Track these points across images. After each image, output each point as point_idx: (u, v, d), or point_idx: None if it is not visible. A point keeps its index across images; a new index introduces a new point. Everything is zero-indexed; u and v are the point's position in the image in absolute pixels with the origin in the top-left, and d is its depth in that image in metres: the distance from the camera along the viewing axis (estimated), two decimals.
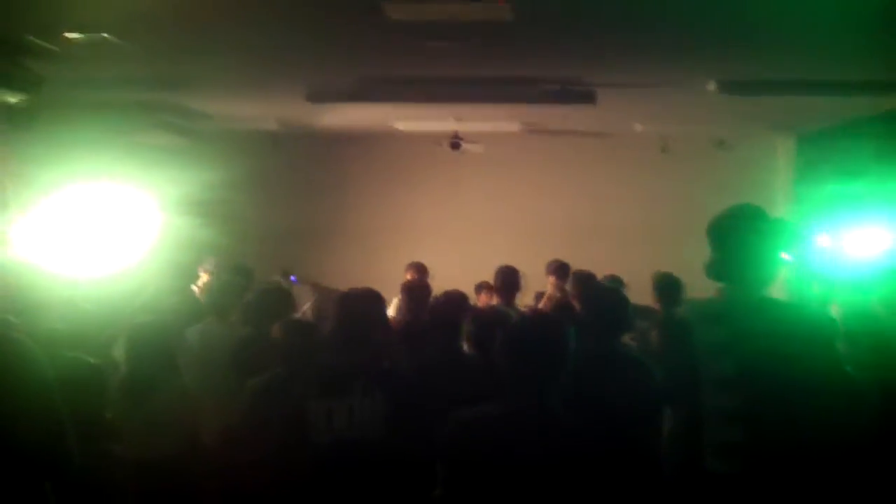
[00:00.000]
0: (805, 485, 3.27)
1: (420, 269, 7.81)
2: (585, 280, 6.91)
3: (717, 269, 3.52)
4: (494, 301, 6.92)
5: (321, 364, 4.24)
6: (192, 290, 6.81)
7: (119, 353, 4.64)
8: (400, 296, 6.43)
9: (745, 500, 3.28)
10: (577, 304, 5.75)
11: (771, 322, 3.35)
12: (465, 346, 4.80)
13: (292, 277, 9.22)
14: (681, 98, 7.76)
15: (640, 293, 6.70)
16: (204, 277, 7.16)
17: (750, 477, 3.25)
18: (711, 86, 6.94)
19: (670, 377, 3.50)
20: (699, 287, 6.96)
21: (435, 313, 5.10)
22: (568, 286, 7.22)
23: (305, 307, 8.21)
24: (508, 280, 6.60)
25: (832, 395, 3.41)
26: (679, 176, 10.34)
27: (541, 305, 7.17)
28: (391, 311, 6.54)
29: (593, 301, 4.68)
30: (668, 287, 6.36)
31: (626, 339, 5.73)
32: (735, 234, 3.49)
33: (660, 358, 4.15)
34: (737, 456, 3.29)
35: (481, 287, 7.63)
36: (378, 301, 4.48)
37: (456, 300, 5.11)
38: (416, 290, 6.08)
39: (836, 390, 3.56)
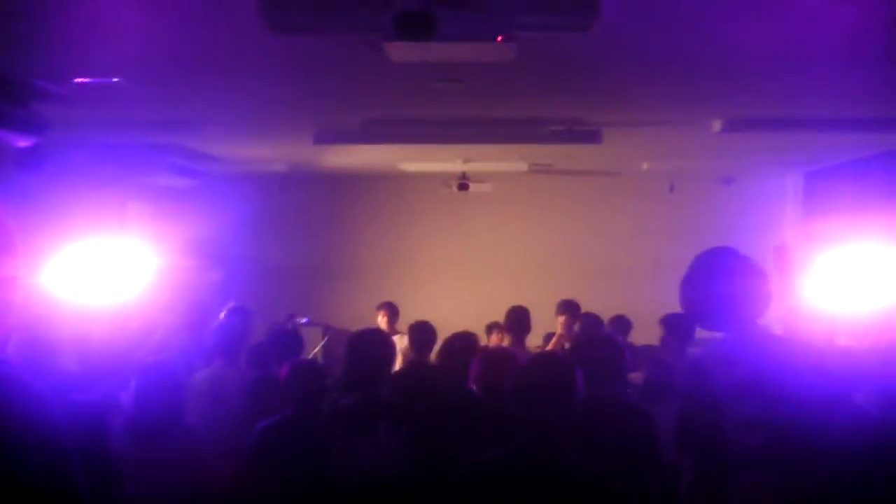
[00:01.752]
0: None
1: (391, 310, 7.93)
2: (587, 325, 6.94)
3: (712, 314, 3.49)
4: (505, 342, 6.91)
5: (339, 404, 4.24)
6: (201, 332, 6.81)
7: (128, 394, 4.63)
8: (407, 335, 6.44)
9: None
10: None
11: (784, 358, 3.34)
12: (475, 388, 4.81)
13: (304, 319, 9.24)
14: (687, 137, 7.79)
15: (648, 332, 6.71)
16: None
17: None
18: (717, 125, 6.97)
19: (692, 421, 3.47)
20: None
21: (446, 354, 5.11)
22: (577, 327, 7.21)
23: (316, 349, 8.22)
24: (519, 320, 6.59)
25: (849, 428, 3.39)
26: (687, 213, 10.36)
27: (550, 346, 7.15)
28: (399, 352, 6.55)
29: (586, 350, 4.67)
30: (678, 328, 6.34)
31: (633, 377, 5.74)
32: (727, 275, 3.47)
33: (672, 401, 4.12)
34: (765, 496, 3.26)
35: (492, 327, 7.61)
36: (387, 341, 4.50)
37: (467, 342, 5.12)
38: (422, 331, 6.09)
39: (852, 423, 3.54)
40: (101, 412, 3.88)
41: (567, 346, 6.88)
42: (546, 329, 7.60)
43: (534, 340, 7.18)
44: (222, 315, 6.89)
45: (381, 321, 8.00)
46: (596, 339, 5.46)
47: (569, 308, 7.43)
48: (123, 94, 5.79)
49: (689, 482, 3.75)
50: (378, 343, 4.33)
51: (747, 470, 3.26)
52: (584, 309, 7.33)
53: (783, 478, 3.22)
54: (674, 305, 6.53)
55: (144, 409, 4.33)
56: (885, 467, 3.80)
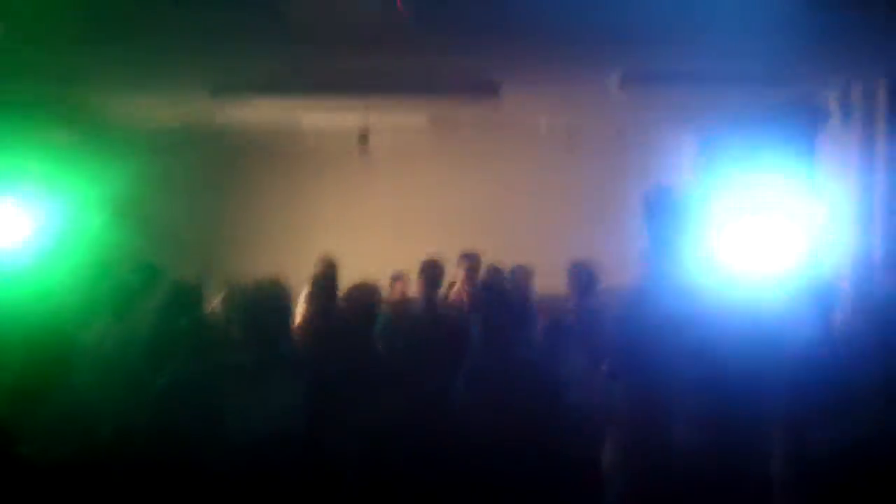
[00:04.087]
0: None
1: (328, 263, 7.79)
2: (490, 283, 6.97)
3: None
4: (410, 291, 6.90)
5: (232, 358, 4.18)
6: (95, 291, 6.63)
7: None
8: (307, 289, 6.37)
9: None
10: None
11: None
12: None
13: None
14: (585, 92, 7.86)
15: (552, 280, 6.79)
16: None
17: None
18: (614, 79, 7.05)
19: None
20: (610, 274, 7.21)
21: (347, 305, 5.07)
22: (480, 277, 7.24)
23: (215, 302, 8.07)
24: (430, 274, 6.58)
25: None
26: (586, 168, 10.52)
27: (451, 296, 7.17)
28: (300, 305, 6.48)
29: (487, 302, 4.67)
30: (582, 277, 6.44)
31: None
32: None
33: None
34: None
35: (396, 277, 7.58)
36: (284, 292, 4.43)
37: (368, 291, 5.09)
38: (324, 281, 6.03)
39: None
40: None
41: (466, 297, 6.92)
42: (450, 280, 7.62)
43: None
44: (121, 272, 6.71)
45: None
46: (497, 291, 5.48)
47: (469, 259, 7.46)
48: (6, 44, 5.56)
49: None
50: (273, 293, 4.27)
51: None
52: (488, 260, 7.36)
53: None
54: (573, 253, 6.73)
55: (27, 367, 4.21)
56: None
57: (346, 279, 6.03)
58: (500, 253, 7.49)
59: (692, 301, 3.40)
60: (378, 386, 3.54)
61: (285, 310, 4.35)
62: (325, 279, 6.05)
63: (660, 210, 3.53)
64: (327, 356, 4.60)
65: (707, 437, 3.34)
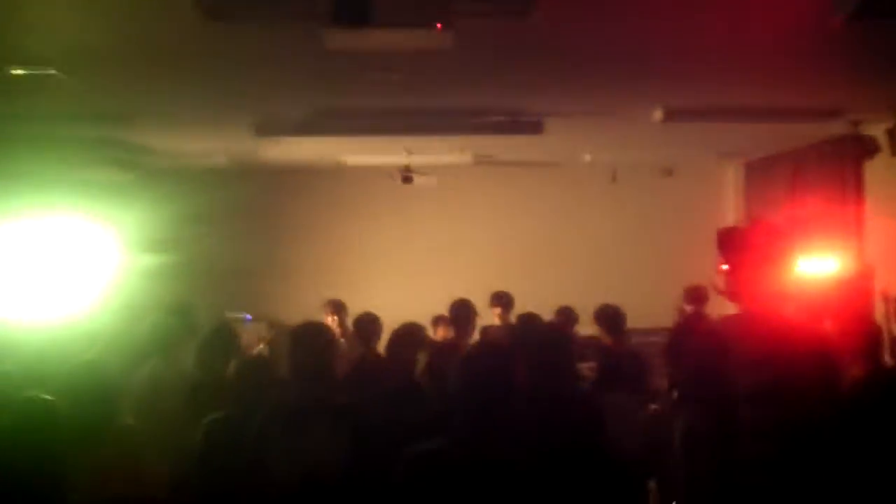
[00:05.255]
0: None
1: (338, 307, 7.82)
2: (526, 322, 6.95)
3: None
4: (452, 334, 6.91)
5: (280, 401, 4.18)
6: (143, 331, 6.69)
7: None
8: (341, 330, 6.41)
9: None
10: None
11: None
12: (422, 380, 4.80)
13: (246, 316, 9.13)
14: (628, 127, 7.84)
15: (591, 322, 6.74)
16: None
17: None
18: (658, 114, 7.02)
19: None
20: (650, 312, 7.15)
21: (392, 346, 5.08)
22: (513, 318, 7.24)
23: (261, 345, 8.11)
24: (463, 314, 6.59)
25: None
26: (629, 204, 10.46)
27: (490, 334, 7.17)
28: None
29: (529, 340, 4.63)
30: (609, 318, 6.40)
31: (586, 368, 5.77)
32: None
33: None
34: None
35: (439, 320, 7.61)
36: (327, 333, 4.44)
37: (413, 333, 5.10)
38: (367, 323, 6.06)
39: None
40: (49, 406, 3.80)
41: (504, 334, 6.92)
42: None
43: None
44: (157, 313, 6.76)
45: (331, 322, 7.71)
46: (539, 329, 5.45)
47: (502, 299, 7.45)
48: (60, 87, 5.67)
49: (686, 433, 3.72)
50: (318, 335, 4.28)
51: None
52: (528, 299, 7.34)
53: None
54: (616, 296, 6.69)
55: (76, 408, 4.24)
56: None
57: (390, 316, 6.06)
58: (543, 290, 7.47)
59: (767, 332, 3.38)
60: (423, 428, 3.51)
61: (329, 352, 4.34)
62: (369, 322, 6.08)
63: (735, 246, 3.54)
64: (372, 398, 4.60)
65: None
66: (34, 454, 3.17)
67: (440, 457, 3.14)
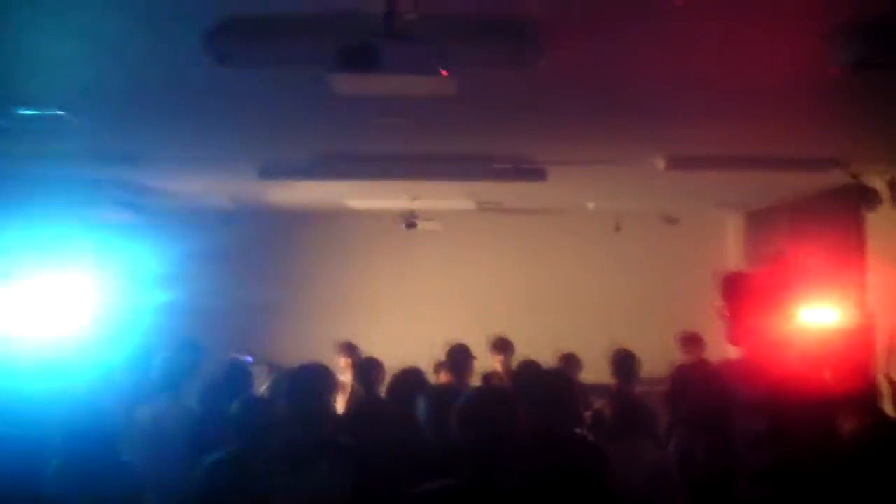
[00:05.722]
0: None
1: (350, 349, 7.82)
2: (526, 368, 6.93)
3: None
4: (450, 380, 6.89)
5: (283, 440, 4.18)
6: (145, 368, 6.69)
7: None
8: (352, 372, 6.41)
9: None
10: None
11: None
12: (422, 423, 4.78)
13: (248, 357, 9.10)
14: (631, 175, 7.88)
15: (597, 368, 6.74)
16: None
17: None
18: (661, 163, 7.06)
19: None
20: (652, 360, 7.14)
21: (393, 389, 5.08)
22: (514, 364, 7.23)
23: (263, 388, 8.09)
24: (460, 358, 6.59)
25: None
26: (632, 252, 10.49)
27: (493, 380, 7.15)
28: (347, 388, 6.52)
29: (532, 384, 4.64)
30: (624, 363, 6.38)
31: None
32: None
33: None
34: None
35: (440, 366, 7.60)
36: (329, 376, 4.45)
37: (414, 377, 5.10)
38: (370, 368, 6.07)
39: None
40: (34, 450, 3.79)
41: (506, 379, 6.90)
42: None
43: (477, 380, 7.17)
44: (168, 350, 6.77)
45: (344, 364, 7.74)
46: (541, 374, 5.43)
47: (502, 346, 7.46)
48: (67, 128, 5.72)
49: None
50: (318, 377, 4.29)
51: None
52: (531, 346, 7.31)
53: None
54: (619, 340, 6.68)
55: (73, 446, 4.23)
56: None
57: (392, 360, 6.07)
58: (546, 337, 7.47)
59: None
60: (425, 469, 3.51)
61: (330, 394, 4.36)
62: (371, 366, 6.09)
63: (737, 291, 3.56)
64: (373, 440, 4.59)
65: None
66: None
67: (443, 497, 3.14)
